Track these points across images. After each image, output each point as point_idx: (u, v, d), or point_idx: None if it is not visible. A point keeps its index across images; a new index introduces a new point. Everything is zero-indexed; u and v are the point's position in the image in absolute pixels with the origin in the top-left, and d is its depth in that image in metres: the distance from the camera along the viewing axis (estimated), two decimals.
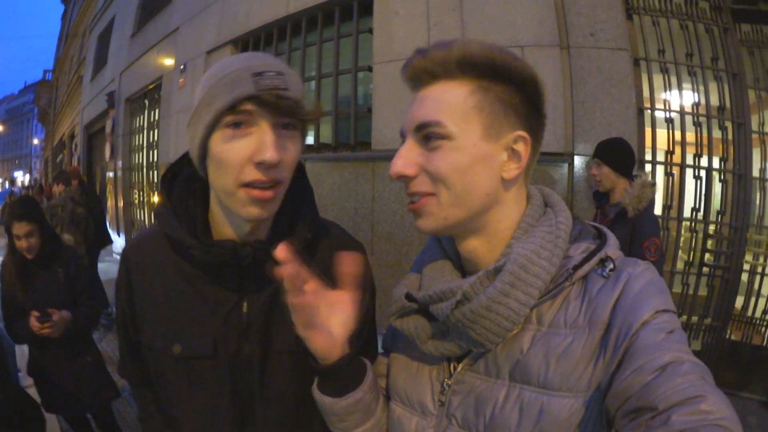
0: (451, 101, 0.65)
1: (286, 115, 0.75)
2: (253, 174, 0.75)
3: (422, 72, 0.67)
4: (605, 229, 0.72)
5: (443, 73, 0.66)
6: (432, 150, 0.65)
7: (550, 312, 0.66)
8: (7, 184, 61.96)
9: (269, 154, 0.73)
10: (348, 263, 0.73)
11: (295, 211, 0.92)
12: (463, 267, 0.76)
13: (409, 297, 0.73)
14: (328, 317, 0.73)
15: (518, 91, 0.66)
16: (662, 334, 0.56)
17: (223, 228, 0.87)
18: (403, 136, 0.70)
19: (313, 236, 0.92)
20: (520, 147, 0.67)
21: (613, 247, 0.68)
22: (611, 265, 0.65)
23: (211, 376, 0.89)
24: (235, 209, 0.80)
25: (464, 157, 0.65)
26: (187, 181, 0.90)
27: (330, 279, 0.89)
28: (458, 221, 0.68)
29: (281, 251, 0.66)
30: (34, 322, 2.13)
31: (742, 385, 3.49)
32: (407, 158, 0.67)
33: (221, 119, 0.74)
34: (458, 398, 0.70)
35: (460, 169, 0.65)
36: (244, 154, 0.74)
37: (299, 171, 0.92)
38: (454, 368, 0.73)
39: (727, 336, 3.66)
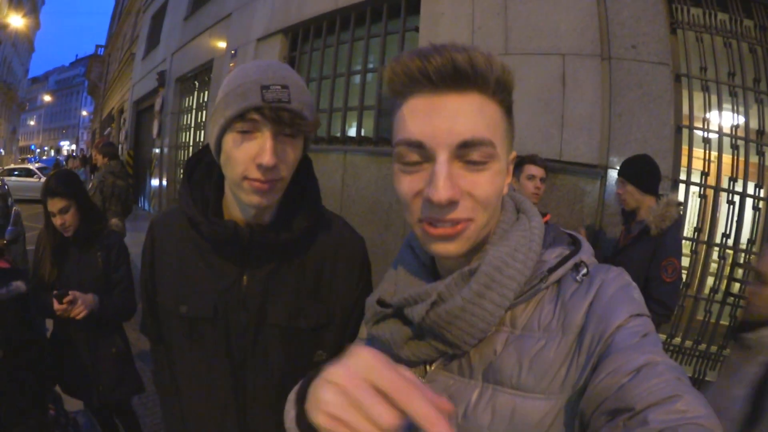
0: (494, 118, 0.62)
1: (286, 125, 0.87)
2: (254, 173, 0.88)
3: (457, 73, 0.58)
4: (579, 236, 0.73)
5: (479, 85, 0.59)
6: (476, 172, 0.61)
7: (524, 315, 0.66)
8: (53, 153, 64.18)
9: (266, 159, 0.85)
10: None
11: (297, 202, 1.04)
12: (438, 273, 0.75)
13: (381, 303, 0.73)
14: None
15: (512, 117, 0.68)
16: (637, 337, 0.56)
17: (233, 211, 1.01)
18: (419, 148, 0.60)
19: (312, 225, 1.04)
20: (511, 166, 0.70)
21: (587, 253, 0.69)
22: (585, 270, 0.66)
23: (210, 337, 1.02)
24: (240, 197, 0.93)
25: (501, 179, 0.64)
26: (207, 168, 1.04)
27: (326, 267, 1.07)
28: (480, 241, 0.67)
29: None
30: (55, 303, 1.99)
31: None
32: (453, 181, 0.59)
33: (232, 124, 0.88)
34: None
35: (500, 192, 0.65)
36: (249, 155, 0.87)
37: (306, 166, 1.06)
38: (428, 369, 0.72)
39: None
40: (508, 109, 0.65)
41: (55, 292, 1.98)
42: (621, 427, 0.49)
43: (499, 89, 0.61)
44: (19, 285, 1.83)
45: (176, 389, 1.11)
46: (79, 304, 2.02)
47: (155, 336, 1.15)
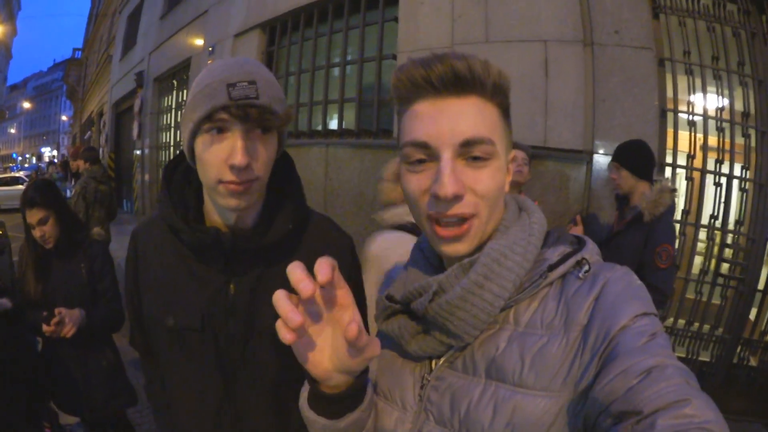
0: (492, 119, 0.65)
1: (255, 122, 0.84)
2: (228, 175, 0.85)
3: (457, 79, 0.62)
4: (586, 237, 0.73)
5: (478, 89, 0.64)
6: (478, 168, 0.64)
7: (527, 313, 0.67)
8: (34, 160, 63.35)
9: (238, 159, 0.82)
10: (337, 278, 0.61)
11: (279, 203, 1.00)
12: (445, 269, 0.74)
13: (389, 298, 0.75)
14: (335, 336, 0.62)
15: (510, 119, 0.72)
16: (644, 337, 0.56)
17: (214, 216, 0.98)
18: (425, 148, 0.64)
19: (296, 227, 1.01)
20: (511, 165, 0.72)
21: (590, 252, 0.69)
22: (587, 267, 0.66)
23: (199, 348, 0.99)
24: (217, 200, 0.91)
25: (502, 175, 0.67)
26: (185, 173, 1.00)
27: (314, 269, 1.00)
28: (485, 238, 0.69)
29: (295, 270, 0.57)
30: (44, 326, 1.91)
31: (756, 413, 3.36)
32: (457, 177, 0.63)
33: (201, 126, 0.85)
34: (436, 394, 0.71)
35: (501, 188, 0.67)
36: (220, 157, 0.84)
37: (286, 165, 1.04)
38: (435, 365, 0.74)
39: (740, 353, 3.56)
40: (505, 110, 0.68)
41: (44, 314, 1.92)
42: (629, 431, 0.48)
43: (496, 92, 0.65)
44: (3, 302, 1.83)
45: (168, 401, 1.08)
46: (67, 323, 1.95)
47: (144, 349, 1.13)
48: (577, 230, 2.81)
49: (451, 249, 0.67)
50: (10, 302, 1.77)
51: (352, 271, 1.10)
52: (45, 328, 1.91)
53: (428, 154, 0.64)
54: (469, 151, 0.63)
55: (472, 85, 0.63)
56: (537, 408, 0.60)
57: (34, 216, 2.07)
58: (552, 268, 0.67)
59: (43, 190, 2.16)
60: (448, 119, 0.63)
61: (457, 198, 0.63)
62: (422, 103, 0.65)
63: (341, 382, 0.65)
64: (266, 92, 0.86)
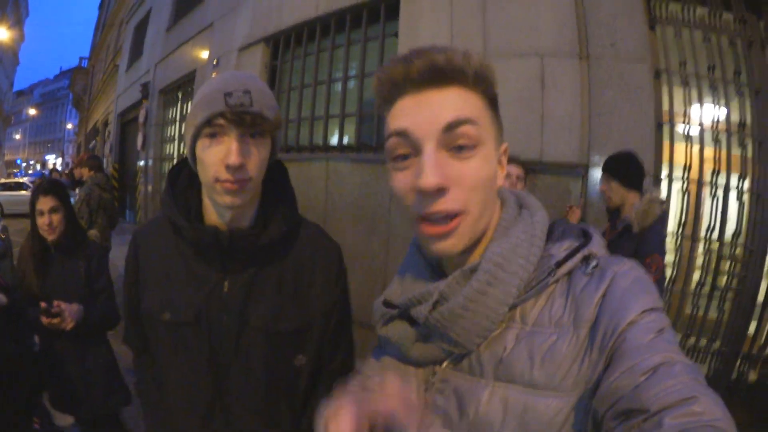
0: (477, 106, 0.63)
1: (250, 126, 0.94)
2: (224, 174, 0.93)
3: (436, 71, 0.61)
4: (592, 230, 0.71)
5: (459, 79, 0.62)
6: (464, 160, 0.61)
7: (534, 310, 0.65)
8: (38, 167, 63.57)
9: (233, 159, 0.91)
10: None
11: (274, 207, 1.08)
12: (445, 273, 0.73)
13: (387, 303, 0.74)
14: None
15: (498, 110, 0.69)
16: (651, 333, 0.55)
17: (212, 216, 1.05)
18: (406, 137, 0.63)
19: (289, 230, 1.08)
20: (504, 157, 0.70)
21: (597, 245, 0.67)
22: (594, 262, 0.64)
23: (193, 342, 1.05)
24: (215, 198, 0.99)
25: (491, 167, 0.64)
26: (188, 177, 1.09)
27: (305, 273, 1.10)
28: (478, 236, 0.66)
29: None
30: (43, 318, 1.95)
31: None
32: (440, 168, 0.60)
33: (201, 131, 0.95)
34: (441, 397, 0.69)
35: (489, 180, 0.64)
36: (218, 158, 0.93)
37: (281, 173, 1.12)
38: (439, 367, 0.71)
39: (739, 368, 3.45)
40: (491, 99, 0.66)
41: (42, 306, 1.96)
42: (635, 429, 0.48)
43: (479, 81, 0.63)
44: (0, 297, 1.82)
45: (159, 397, 1.12)
46: (66, 315, 2.00)
47: (139, 345, 1.17)
48: (574, 214, 2.88)
49: (440, 247, 0.64)
50: (5, 298, 1.78)
51: (340, 278, 1.17)
52: (44, 319, 1.95)
53: (410, 145, 0.63)
54: (453, 138, 0.61)
55: (451, 76, 0.62)
56: (549, 408, 0.59)
57: (47, 203, 2.16)
58: (559, 264, 0.65)
59: (57, 183, 2.31)
60: (430, 109, 0.62)
61: (441, 191, 0.60)
62: (403, 99, 0.64)
63: None
64: (259, 100, 0.95)
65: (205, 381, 1.05)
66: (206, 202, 1.06)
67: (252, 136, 0.96)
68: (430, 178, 0.59)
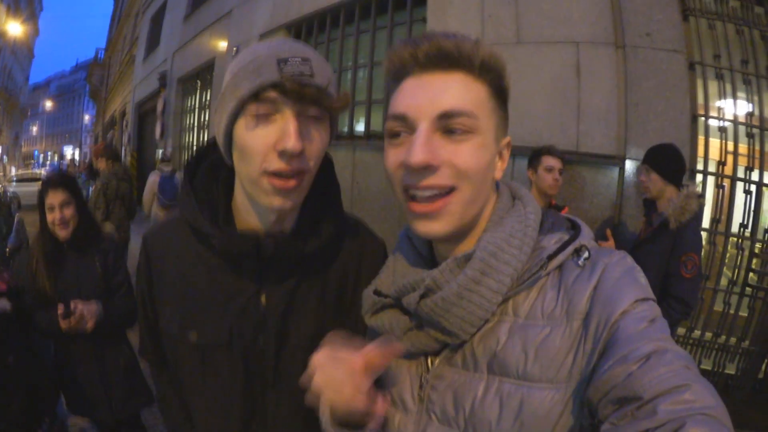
0: (479, 96, 0.64)
1: (311, 103, 0.74)
2: (276, 163, 0.74)
3: (443, 55, 0.62)
4: (579, 221, 0.72)
5: (465, 66, 0.63)
6: (458, 142, 0.62)
7: (526, 303, 0.65)
8: (56, 158, 64.46)
9: (291, 143, 0.71)
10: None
11: (321, 206, 0.91)
12: (436, 262, 0.74)
13: (377, 292, 0.73)
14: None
15: (505, 103, 0.69)
16: (644, 323, 0.55)
17: (247, 217, 0.87)
18: (404, 120, 0.64)
19: (337, 232, 0.91)
20: (506, 151, 0.71)
21: (587, 237, 0.68)
22: (586, 254, 0.65)
23: (226, 365, 0.89)
24: (258, 198, 0.79)
25: (487, 154, 0.65)
26: (211, 168, 0.90)
27: (349, 279, 0.95)
28: (469, 222, 0.67)
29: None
30: (61, 322, 1.86)
31: None
32: (431, 147, 0.61)
33: (245, 107, 0.74)
34: (437, 393, 0.69)
35: (484, 165, 0.64)
36: (267, 142, 0.73)
37: (327, 165, 0.91)
38: (432, 363, 0.71)
39: (765, 369, 3.42)
40: (497, 90, 0.66)
41: (60, 310, 1.86)
42: (629, 417, 0.48)
43: (485, 70, 0.64)
44: (2, 304, 1.76)
45: (185, 419, 0.99)
46: (86, 315, 1.90)
47: (157, 362, 1.03)
48: (609, 245, 2.75)
49: (427, 228, 0.65)
50: (9, 304, 1.71)
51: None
52: (62, 323, 1.85)
53: (406, 126, 0.64)
54: (448, 124, 0.62)
55: (458, 62, 0.62)
56: (545, 401, 0.59)
57: (57, 197, 2.03)
58: (550, 257, 0.65)
59: (67, 176, 2.16)
60: (430, 92, 0.63)
61: (429, 168, 0.61)
62: (408, 80, 0.65)
63: None
64: (321, 72, 0.76)
65: (240, 405, 0.91)
66: (239, 200, 0.87)
67: (311, 117, 0.76)
68: (418, 155, 0.60)
